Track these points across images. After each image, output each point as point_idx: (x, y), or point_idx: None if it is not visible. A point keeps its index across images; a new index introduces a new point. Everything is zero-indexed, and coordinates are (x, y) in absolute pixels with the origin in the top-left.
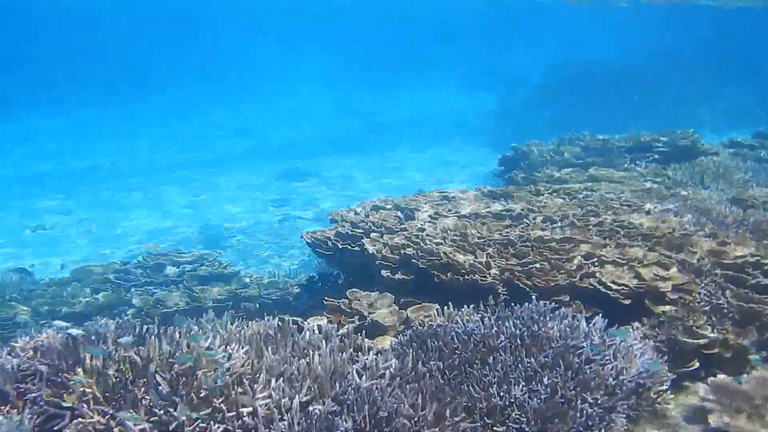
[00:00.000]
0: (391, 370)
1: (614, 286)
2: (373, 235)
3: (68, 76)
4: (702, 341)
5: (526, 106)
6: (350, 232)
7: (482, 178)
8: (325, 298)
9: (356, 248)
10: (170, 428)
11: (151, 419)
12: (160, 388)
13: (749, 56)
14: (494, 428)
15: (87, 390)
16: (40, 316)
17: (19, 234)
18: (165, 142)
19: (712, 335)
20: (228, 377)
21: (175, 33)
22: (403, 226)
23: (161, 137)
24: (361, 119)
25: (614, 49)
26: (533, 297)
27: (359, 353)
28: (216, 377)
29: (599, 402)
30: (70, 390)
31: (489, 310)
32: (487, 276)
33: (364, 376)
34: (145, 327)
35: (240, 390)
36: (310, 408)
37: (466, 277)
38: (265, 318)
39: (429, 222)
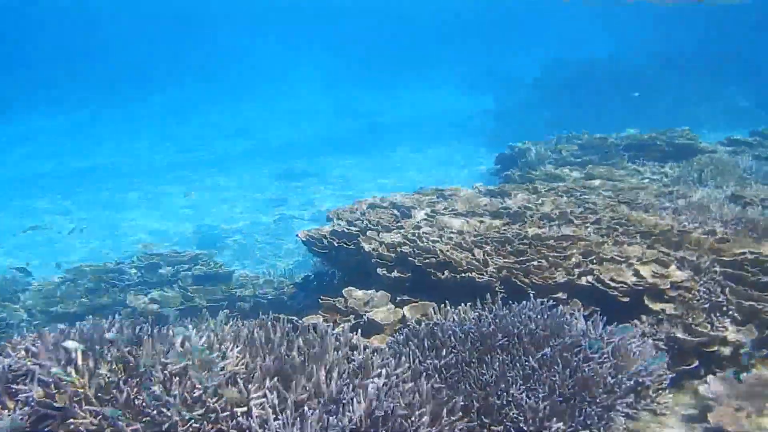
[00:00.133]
0: (388, 369)
1: (613, 284)
2: (369, 233)
3: (68, 76)
4: (701, 339)
5: (524, 106)
6: (346, 230)
7: (480, 178)
8: (321, 296)
9: (352, 246)
10: (163, 428)
11: (144, 419)
12: (152, 388)
13: (749, 56)
14: (492, 427)
15: (79, 390)
16: (34, 317)
17: (14, 234)
18: (164, 143)
19: (711, 333)
20: (222, 377)
21: (175, 33)
22: (399, 224)
23: (161, 137)
24: (359, 119)
25: (613, 49)
26: (531, 295)
27: (355, 352)
28: (209, 377)
29: (598, 401)
30: (62, 390)
31: (486, 308)
32: (485, 274)
33: (360, 375)
34: (138, 326)
35: (234, 389)
36: (305, 407)
37: (463, 275)
38: (260, 317)
39: (425, 220)
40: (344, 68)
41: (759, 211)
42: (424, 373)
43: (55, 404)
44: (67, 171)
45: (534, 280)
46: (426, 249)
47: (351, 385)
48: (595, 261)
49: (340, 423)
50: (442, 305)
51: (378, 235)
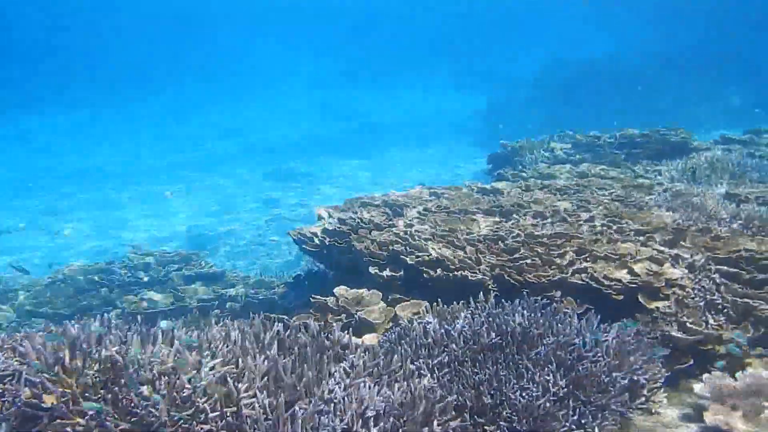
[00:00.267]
0: (379, 368)
1: (607, 282)
2: (360, 231)
3: (63, 76)
4: (696, 337)
5: (519, 106)
6: (337, 229)
7: (474, 177)
8: (312, 296)
9: (343, 245)
10: (152, 429)
11: (132, 419)
12: (141, 387)
13: (748, 56)
14: (485, 427)
15: (67, 390)
16: (24, 317)
17: (9, 232)
18: (160, 143)
19: (706, 331)
20: (211, 376)
21: (173, 34)
22: (391, 222)
23: (156, 137)
24: (353, 119)
25: (611, 49)
26: (524, 293)
27: (346, 351)
28: (199, 376)
29: (592, 400)
30: (50, 390)
31: (479, 307)
32: (477, 272)
33: (351, 375)
34: (126, 326)
35: (223, 389)
36: (296, 407)
37: (456, 273)
38: (251, 317)
39: (418, 218)
40: (337, 69)
41: (754, 209)
42: (417, 373)
43: (42, 405)
44: (63, 170)
45: (527, 278)
46: (418, 247)
47: (342, 385)
48: (588, 259)
49: (331, 423)
50: (435, 304)
51: (370, 234)
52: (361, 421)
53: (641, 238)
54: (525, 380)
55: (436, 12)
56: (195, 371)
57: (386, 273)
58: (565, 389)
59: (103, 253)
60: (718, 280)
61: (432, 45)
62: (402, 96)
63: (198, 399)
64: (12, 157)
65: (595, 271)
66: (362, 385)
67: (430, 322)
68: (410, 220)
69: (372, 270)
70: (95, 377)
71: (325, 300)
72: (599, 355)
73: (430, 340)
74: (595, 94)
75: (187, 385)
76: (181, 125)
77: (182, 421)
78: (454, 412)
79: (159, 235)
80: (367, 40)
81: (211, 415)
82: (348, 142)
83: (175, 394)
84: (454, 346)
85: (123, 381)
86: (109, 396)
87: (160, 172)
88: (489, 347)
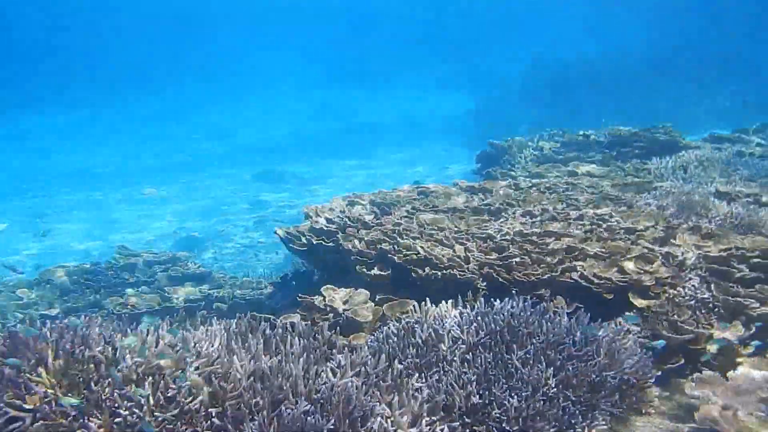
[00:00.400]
0: (367, 368)
1: (596, 280)
2: (348, 230)
3: (61, 76)
4: (687, 336)
5: (509, 106)
6: (325, 228)
7: (463, 177)
8: (299, 295)
9: (331, 244)
10: (136, 429)
11: (116, 420)
12: (125, 388)
13: (740, 56)
14: (474, 428)
15: (49, 391)
16: (8, 319)
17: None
18: (150, 144)
19: (697, 330)
20: (196, 376)
21: (168, 35)
22: (379, 221)
23: (145, 139)
24: (343, 120)
25: (599, 49)
26: (513, 292)
27: (333, 351)
28: (184, 376)
29: (582, 399)
30: (33, 391)
31: (468, 306)
32: (466, 270)
33: (338, 375)
34: (111, 326)
35: (209, 389)
36: (282, 407)
37: (444, 271)
38: (237, 317)
39: (406, 217)
40: (330, 69)
41: (744, 207)
42: (405, 372)
43: (25, 406)
44: (58, 171)
45: (516, 277)
46: (406, 246)
47: (329, 385)
48: (578, 257)
49: (318, 423)
50: (423, 303)
51: (357, 232)
52: (348, 421)
53: (631, 236)
54: (514, 380)
55: (427, 12)
56: (180, 371)
57: (374, 272)
58: (555, 389)
59: (91, 254)
60: (708, 279)
61: (422, 45)
62: (392, 96)
63: (183, 399)
64: (8, 157)
65: (584, 270)
66: (349, 385)
67: (419, 322)
68: (398, 219)
69: (359, 269)
70: (78, 378)
71: (312, 299)
72: (589, 354)
73: (418, 339)
74: (585, 93)
75: (172, 385)
76: (173, 126)
77: (166, 422)
78: (442, 412)
79: (148, 236)
80: (358, 41)
81: (196, 415)
82: (338, 142)
83: (159, 394)
84: (442, 345)
85: (107, 381)
86: (93, 396)
87: (150, 173)
88: (478, 346)
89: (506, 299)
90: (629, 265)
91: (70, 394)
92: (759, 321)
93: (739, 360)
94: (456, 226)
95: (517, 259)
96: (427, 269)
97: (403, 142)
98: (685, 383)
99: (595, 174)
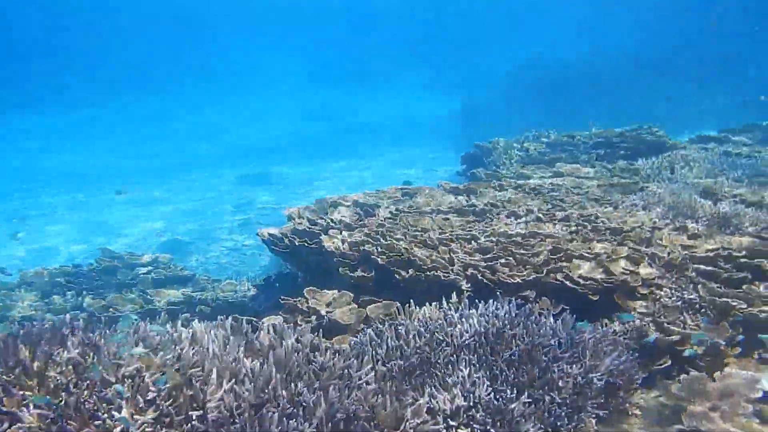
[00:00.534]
0: (350, 370)
1: (582, 281)
2: (331, 231)
3: (53, 76)
4: (674, 338)
5: (495, 107)
6: (308, 229)
7: (449, 178)
8: (281, 297)
9: (314, 245)
10: None
11: (95, 423)
12: (104, 391)
13: (728, 56)
14: (458, 430)
15: (27, 394)
16: None
17: None
18: (136, 145)
19: (684, 331)
20: (177, 379)
21: (159, 36)
22: (362, 222)
23: (127, 140)
24: (328, 122)
25: (586, 49)
26: (498, 293)
27: (316, 353)
28: (164, 379)
29: (567, 402)
30: (11, 394)
31: (452, 307)
32: (450, 272)
33: (320, 377)
34: (90, 328)
35: (189, 392)
36: (264, 410)
37: (428, 273)
38: (219, 319)
39: (390, 218)
40: (314, 71)
41: (730, 207)
42: (388, 375)
43: (2, 408)
44: (42, 171)
45: (501, 278)
46: (389, 247)
47: (311, 388)
48: (563, 258)
49: (299, 426)
50: (407, 305)
51: (340, 234)
52: (330, 424)
53: (617, 237)
54: (499, 382)
55: (415, 14)
56: (160, 373)
57: (357, 274)
58: (541, 391)
59: (77, 256)
60: (695, 279)
61: (414, 46)
62: (379, 98)
63: (163, 402)
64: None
65: (570, 271)
66: (332, 387)
67: (402, 324)
68: (382, 220)
69: (342, 271)
70: (57, 380)
71: (295, 301)
72: (575, 356)
73: (402, 341)
74: (574, 94)
75: (152, 388)
76: (158, 127)
77: (146, 425)
78: (426, 415)
79: (132, 238)
80: (352, 43)
81: (176, 418)
82: (325, 144)
83: (139, 397)
84: (426, 347)
85: (85, 384)
86: (72, 399)
87: (132, 174)
88: (462, 349)
89: (491, 301)
90: (615, 266)
91: (49, 397)
92: (746, 322)
93: (726, 361)
94: (440, 228)
95: (502, 261)
96: (410, 271)
97: (391, 143)
98: (672, 384)
99: (581, 175)
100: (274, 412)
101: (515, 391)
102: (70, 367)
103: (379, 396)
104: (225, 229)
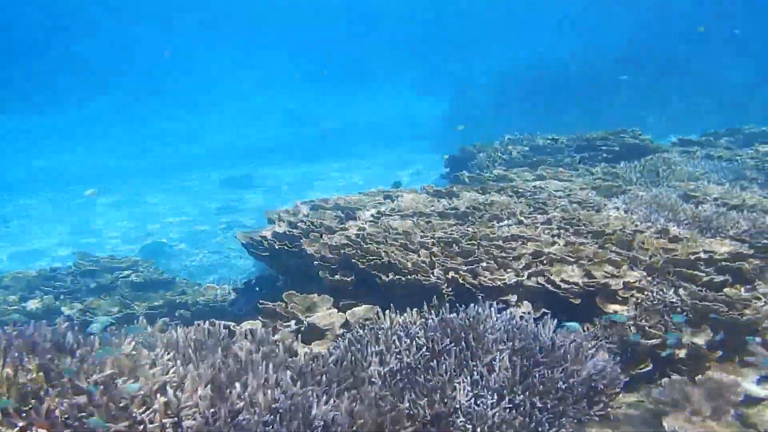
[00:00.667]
0: (328, 376)
1: (564, 285)
2: (312, 235)
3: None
4: (655, 341)
5: (480, 110)
6: (288, 233)
7: (433, 181)
8: (260, 301)
9: (294, 249)
10: None
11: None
12: (75, 399)
13: (701, 61)
14: None
15: None
16: None
17: None
18: (110, 149)
19: (665, 335)
20: (152, 385)
21: (125, 35)
22: (343, 225)
23: (105, 144)
24: (311, 126)
25: (575, 53)
26: (479, 297)
27: (294, 358)
28: (138, 385)
29: (549, 406)
30: None
31: (432, 312)
32: (431, 276)
33: (298, 383)
34: (63, 333)
35: (163, 399)
36: (240, 417)
37: (409, 277)
38: (195, 324)
39: (371, 221)
40: (304, 73)
41: (712, 210)
42: (368, 380)
43: None
44: (21, 174)
45: (482, 282)
46: (370, 251)
47: (289, 394)
48: (545, 261)
49: None
50: (387, 309)
51: (321, 237)
52: (308, 431)
53: (599, 240)
54: (479, 387)
55: (401, 16)
56: (134, 380)
57: (337, 277)
58: (522, 396)
59: (57, 259)
60: (676, 283)
61: (396, 50)
62: (364, 100)
63: (136, 409)
64: None
65: (551, 274)
66: (310, 394)
67: (383, 329)
68: (363, 223)
69: (322, 274)
70: (27, 387)
71: (274, 306)
72: (556, 360)
73: (381, 346)
74: (556, 98)
75: (125, 395)
76: (131, 131)
77: None
78: (406, 422)
79: (113, 241)
80: (332, 45)
81: (149, 426)
82: (306, 147)
83: (111, 404)
84: (406, 352)
85: (56, 391)
86: (44, 407)
87: (112, 178)
88: (443, 353)
89: (472, 305)
90: (596, 270)
91: (18, 405)
92: (727, 325)
93: (708, 364)
94: (422, 231)
95: (484, 264)
96: (391, 275)
97: (375, 148)
98: (653, 388)
99: (563, 178)
100: (250, 420)
101: (496, 397)
102: (41, 373)
103: (358, 402)
104: (209, 232)
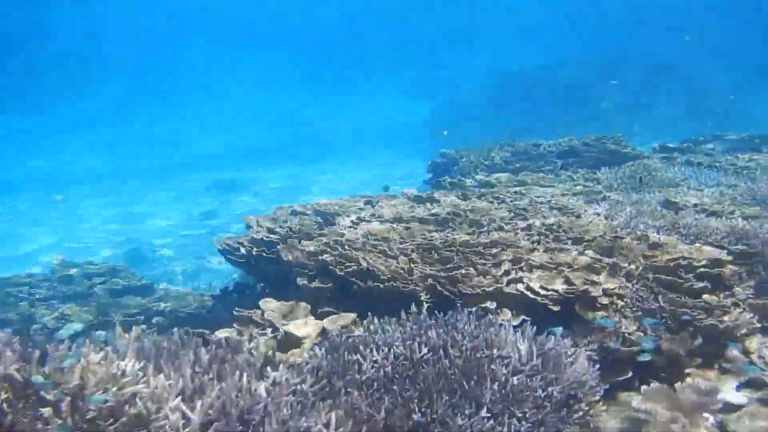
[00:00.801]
0: (304, 386)
1: (543, 292)
2: (290, 241)
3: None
4: (635, 348)
5: (463, 116)
6: (266, 238)
7: (415, 187)
8: (236, 309)
9: (272, 255)
10: None
11: None
12: (40, 411)
13: (683, 68)
14: None
15: None
16: None
17: None
18: (94, 152)
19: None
20: (120, 396)
21: (112, 38)
22: (322, 231)
23: (90, 146)
24: (296, 129)
25: (559, 58)
26: (458, 304)
27: (269, 367)
28: (106, 397)
29: (527, 416)
30: None
31: (410, 319)
32: (409, 283)
33: (273, 393)
34: (29, 342)
35: (133, 411)
36: (212, 429)
37: (387, 284)
38: (169, 331)
39: (350, 227)
40: (282, 77)
41: (691, 216)
42: (344, 390)
43: None
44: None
45: (462, 289)
46: (348, 257)
47: (263, 404)
48: (525, 268)
49: None
50: (366, 317)
51: (299, 243)
52: None
53: (579, 246)
54: (458, 396)
55: (389, 20)
56: (102, 390)
57: (315, 284)
58: (500, 405)
59: (35, 264)
60: (656, 289)
61: (382, 54)
62: (348, 104)
63: (103, 422)
64: None
65: (531, 281)
66: (284, 404)
67: (360, 336)
68: (342, 229)
69: (300, 281)
70: None
71: (249, 313)
72: (535, 368)
73: (358, 355)
74: (538, 103)
75: (92, 407)
76: (116, 134)
77: None
78: None
79: (90, 247)
80: (319, 48)
81: None
82: (292, 152)
83: (77, 416)
84: (384, 361)
85: (21, 403)
86: (7, 419)
87: (92, 181)
88: (420, 362)
89: (450, 312)
90: (576, 276)
91: None
92: (706, 332)
93: (687, 371)
94: (401, 237)
95: (462, 271)
96: (369, 282)
97: (360, 152)
98: (633, 396)
99: (544, 184)
100: (223, 430)
101: (474, 406)
102: (6, 384)
103: (335, 412)
104: (191, 237)
